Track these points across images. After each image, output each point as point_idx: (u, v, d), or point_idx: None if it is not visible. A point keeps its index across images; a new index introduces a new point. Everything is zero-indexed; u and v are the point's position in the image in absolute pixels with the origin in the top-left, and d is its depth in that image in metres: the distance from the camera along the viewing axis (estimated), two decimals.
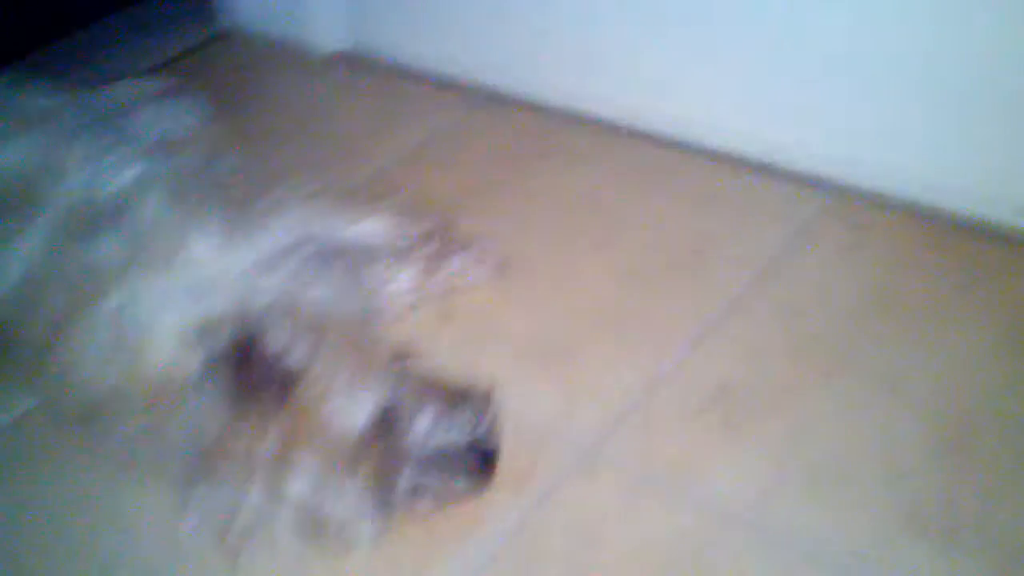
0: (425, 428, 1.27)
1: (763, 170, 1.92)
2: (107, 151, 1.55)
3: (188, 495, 1.26)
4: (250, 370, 1.24)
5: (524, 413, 1.45)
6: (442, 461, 1.26)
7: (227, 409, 1.23)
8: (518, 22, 2.12)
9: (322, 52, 2.45)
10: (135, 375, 1.31)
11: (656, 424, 1.43)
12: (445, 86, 2.28)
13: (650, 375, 1.50)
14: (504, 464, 1.31)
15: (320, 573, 1.26)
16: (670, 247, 1.74)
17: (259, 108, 2.29)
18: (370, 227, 1.62)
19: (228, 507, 1.23)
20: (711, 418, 1.43)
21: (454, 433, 1.28)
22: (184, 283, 1.37)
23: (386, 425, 1.25)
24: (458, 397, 1.33)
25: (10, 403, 1.54)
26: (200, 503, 1.25)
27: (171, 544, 1.29)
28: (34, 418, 1.51)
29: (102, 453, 1.37)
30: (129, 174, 1.51)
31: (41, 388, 1.44)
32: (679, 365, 1.52)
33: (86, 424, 1.35)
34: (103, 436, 1.34)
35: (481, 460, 1.28)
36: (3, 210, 1.46)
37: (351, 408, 1.23)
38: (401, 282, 1.62)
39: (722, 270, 1.69)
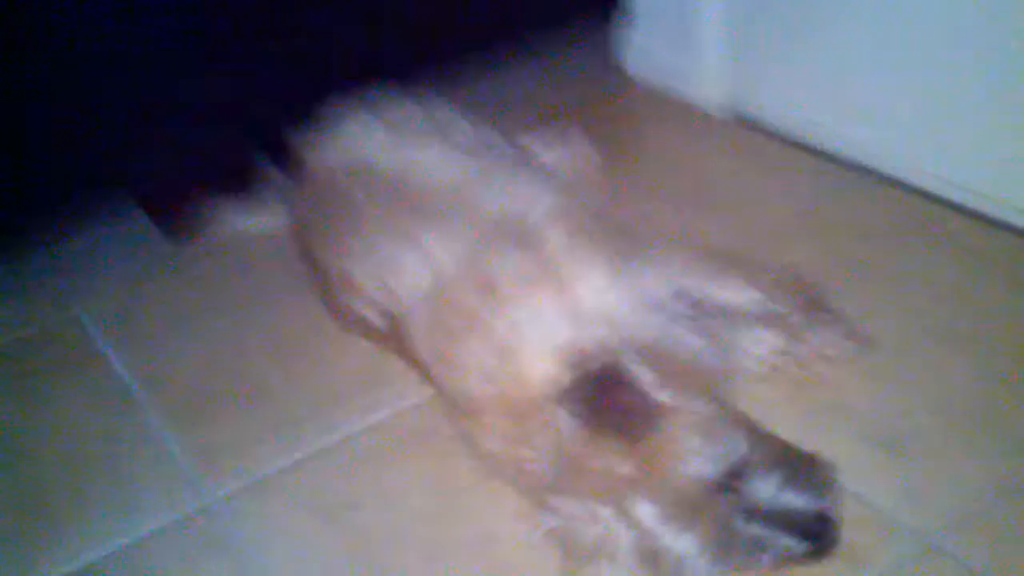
0: (773, 488, 1.33)
1: None
2: (520, 183, 1.76)
3: (545, 502, 1.40)
4: (616, 396, 1.37)
5: (866, 494, 1.47)
6: (786, 522, 1.31)
7: (589, 428, 1.36)
8: (906, 104, 2.13)
9: (709, 111, 2.56)
10: (515, 383, 1.48)
11: (1003, 531, 1.40)
12: (825, 157, 2.32)
13: (1003, 483, 1.47)
14: (842, 539, 1.34)
15: None
16: None
17: (645, 158, 2.44)
18: (742, 291, 1.70)
19: (579, 518, 1.35)
20: None
21: (801, 499, 1.33)
22: (571, 310, 1.52)
23: (736, 478, 1.32)
24: (804, 465, 1.38)
25: (411, 391, 1.78)
26: (555, 511, 1.37)
27: (523, 543, 1.44)
28: (430, 406, 1.74)
29: (477, 452, 1.55)
30: (539, 207, 1.70)
31: (436, 383, 1.64)
32: None
33: (471, 420, 1.53)
34: (481, 434, 1.51)
35: (824, 529, 1.32)
36: (440, 218, 1.69)
37: (706, 455, 1.32)
38: (765, 346, 1.68)
39: None
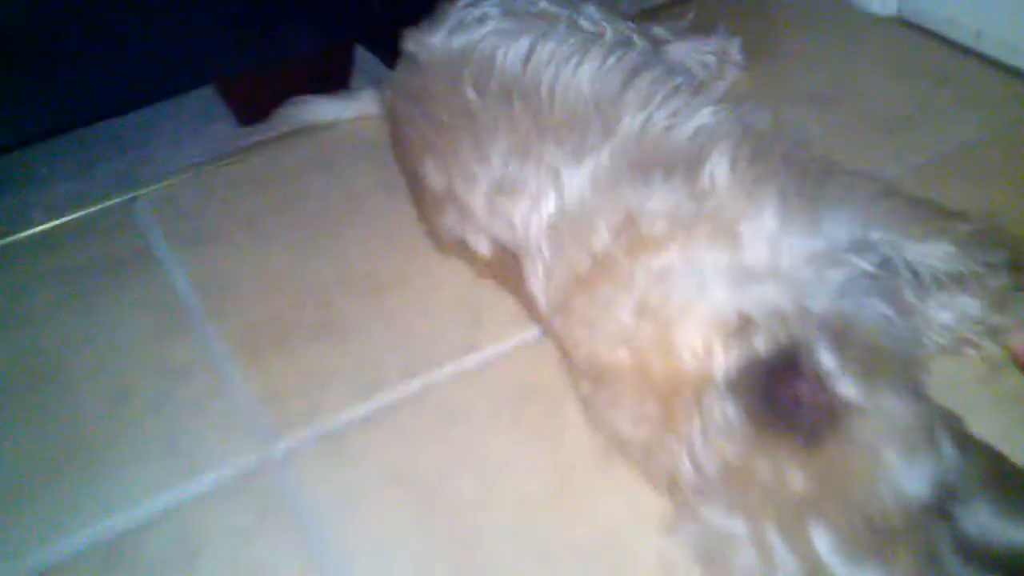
0: (990, 518, 1.04)
1: None
2: (670, 91, 1.42)
3: (689, 508, 1.12)
4: (790, 387, 1.08)
5: None
6: (1006, 565, 1.02)
7: (754, 425, 1.07)
8: None
9: (872, 13, 2.20)
10: (657, 351, 1.18)
11: None
12: (1010, 74, 1.95)
13: None
14: None
15: None
16: None
17: (798, 62, 2.07)
18: (935, 246, 1.36)
19: (733, 536, 1.07)
20: None
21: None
22: (732, 262, 1.20)
23: (939, 504, 1.03)
24: (1020, 482, 1.08)
25: (515, 332, 1.50)
26: (702, 522, 1.10)
27: (655, 557, 1.18)
28: (538, 354, 1.45)
29: (598, 426, 1.27)
30: (692, 124, 1.37)
31: (554, 335, 1.36)
32: None
33: (595, 388, 1.24)
34: (606, 407, 1.23)
35: None
36: (571, 131, 1.37)
37: (904, 471, 1.03)
38: (955, 314, 1.37)
39: None
